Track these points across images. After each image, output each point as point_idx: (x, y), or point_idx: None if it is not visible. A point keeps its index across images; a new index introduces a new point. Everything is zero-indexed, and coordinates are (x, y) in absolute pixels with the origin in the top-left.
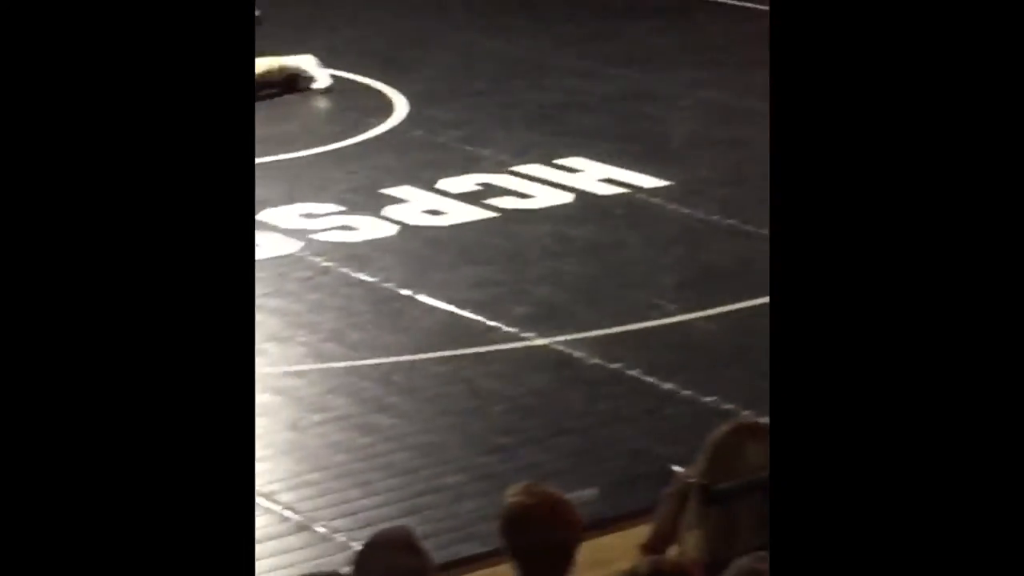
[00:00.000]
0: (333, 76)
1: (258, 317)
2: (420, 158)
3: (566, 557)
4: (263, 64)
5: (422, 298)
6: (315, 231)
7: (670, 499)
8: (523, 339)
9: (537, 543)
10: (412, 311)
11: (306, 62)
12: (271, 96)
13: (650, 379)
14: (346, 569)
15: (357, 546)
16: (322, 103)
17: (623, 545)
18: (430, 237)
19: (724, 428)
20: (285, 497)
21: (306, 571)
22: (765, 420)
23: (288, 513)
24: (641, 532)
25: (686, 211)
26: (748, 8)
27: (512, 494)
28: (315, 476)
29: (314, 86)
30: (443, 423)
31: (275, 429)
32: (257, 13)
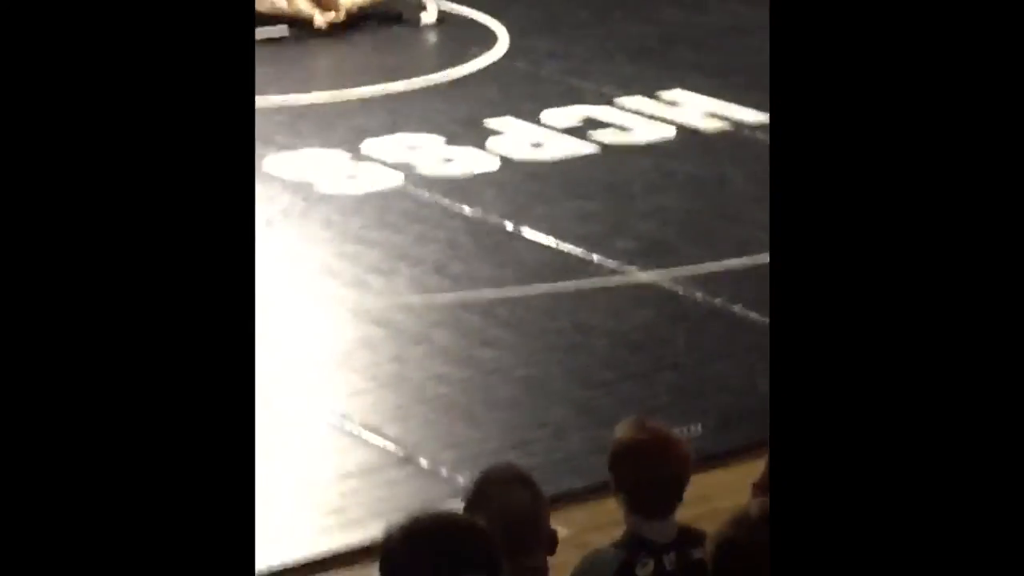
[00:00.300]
0: (438, 6)
1: (361, 249)
2: (523, 91)
3: (675, 492)
4: None
5: (525, 231)
6: (418, 163)
7: None
8: (626, 273)
9: (647, 478)
10: (515, 244)
11: None
12: (377, 26)
13: (753, 314)
14: (455, 503)
15: (461, 479)
16: (427, 34)
17: (728, 482)
18: (533, 170)
19: None
20: (389, 430)
21: (409, 504)
22: None
23: (391, 446)
24: (748, 469)
25: None
26: None
27: (622, 428)
28: (419, 409)
29: (422, 16)
30: (546, 357)
31: (378, 362)
32: None
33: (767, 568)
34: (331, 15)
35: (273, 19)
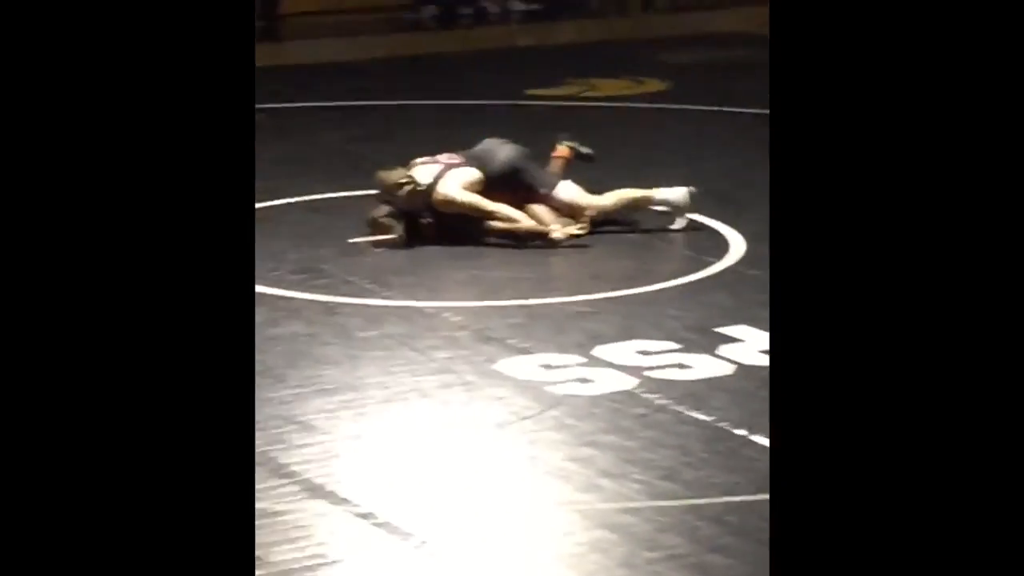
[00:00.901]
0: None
1: (592, 452)
2: (756, 298)
3: None
4: (627, 195)
5: (757, 438)
6: (650, 368)
7: None
8: None
9: None
10: (748, 451)
11: (676, 196)
12: (615, 232)
13: None
14: None
15: None
16: (662, 241)
17: None
18: (766, 377)
19: None
20: None
21: None
22: None
23: None
24: None
25: None
26: None
27: None
28: None
29: (669, 225)
30: None
31: (609, 566)
32: (589, 152)
33: None
34: (578, 229)
35: (510, 234)
